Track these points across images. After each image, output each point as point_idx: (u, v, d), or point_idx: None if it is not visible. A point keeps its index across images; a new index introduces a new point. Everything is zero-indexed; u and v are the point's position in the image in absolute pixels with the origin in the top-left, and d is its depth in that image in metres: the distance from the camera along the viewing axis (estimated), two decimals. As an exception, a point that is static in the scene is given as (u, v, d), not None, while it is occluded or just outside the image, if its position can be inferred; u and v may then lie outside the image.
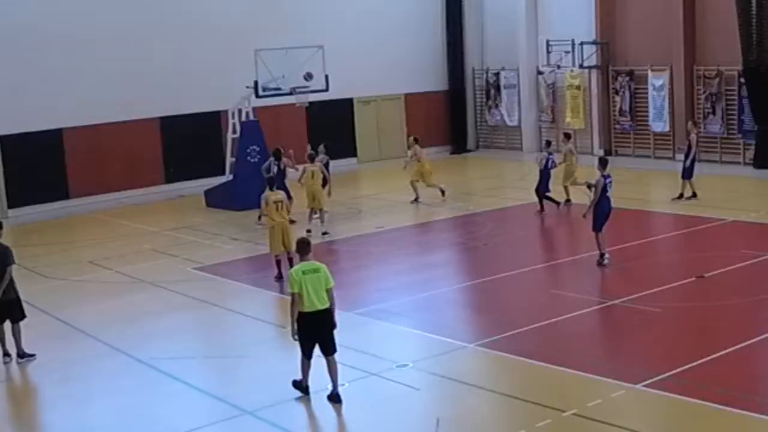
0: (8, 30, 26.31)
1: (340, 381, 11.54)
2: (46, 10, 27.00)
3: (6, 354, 13.86)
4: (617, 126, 31.18)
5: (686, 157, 22.86)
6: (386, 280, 17.61)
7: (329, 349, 11.56)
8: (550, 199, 22.72)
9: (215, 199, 25.79)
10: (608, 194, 17.01)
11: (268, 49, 25.08)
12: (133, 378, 12.98)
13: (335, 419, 11.28)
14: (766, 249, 17.45)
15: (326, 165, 22.82)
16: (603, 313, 14.71)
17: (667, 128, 29.42)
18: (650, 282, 15.76)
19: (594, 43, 30.94)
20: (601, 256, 17.02)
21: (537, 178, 22.54)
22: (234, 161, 25.70)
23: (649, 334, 13.56)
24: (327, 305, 11.46)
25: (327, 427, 11.15)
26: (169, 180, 29.44)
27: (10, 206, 26.48)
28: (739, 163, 27.79)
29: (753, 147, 27.27)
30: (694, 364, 11.94)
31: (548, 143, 23.90)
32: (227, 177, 26.06)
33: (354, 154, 33.14)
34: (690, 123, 24.43)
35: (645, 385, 11.29)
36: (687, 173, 22.86)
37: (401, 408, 11.44)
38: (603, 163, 17.37)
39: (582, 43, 30.89)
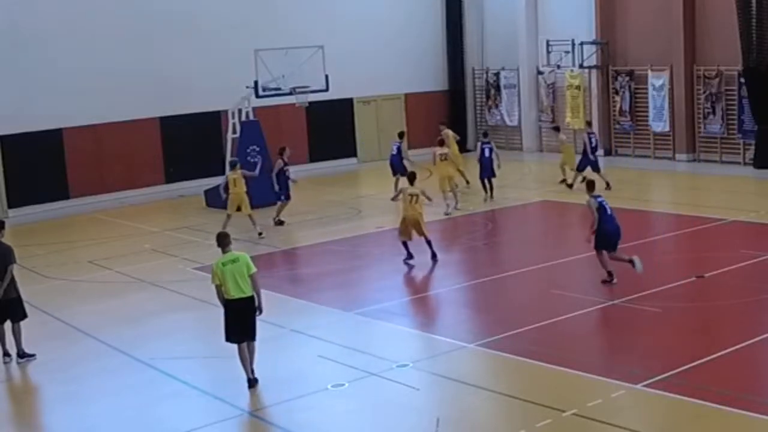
0: (8, 30, 26.31)
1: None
2: (47, 11, 27.00)
3: (6, 354, 13.87)
4: (617, 126, 31.16)
5: (593, 152, 24.98)
6: (386, 280, 17.61)
7: (250, 335, 12.23)
8: (484, 186, 24.51)
9: (215, 199, 25.74)
10: (609, 213, 15.80)
11: (268, 49, 25.08)
12: (132, 378, 12.98)
13: (335, 419, 11.27)
14: (766, 249, 17.45)
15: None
16: (603, 313, 14.71)
17: (667, 128, 29.42)
18: (650, 282, 15.74)
19: (594, 43, 30.93)
20: (609, 274, 15.84)
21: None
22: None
23: (649, 334, 13.56)
24: (250, 293, 12.10)
25: (327, 427, 11.13)
26: (169, 180, 29.43)
27: (10, 206, 26.48)
28: (739, 163, 27.79)
29: (753, 147, 27.25)
30: (694, 364, 11.95)
31: (485, 134, 26.27)
32: (227, 177, 26.03)
33: (354, 154, 33.14)
34: (587, 126, 27.14)
35: (645, 385, 11.29)
36: (595, 166, 24.81)
37: (401, 408, 11.44)
38: (590, 186, 16.22)
39: (582, 43, 30.88)
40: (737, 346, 12.50)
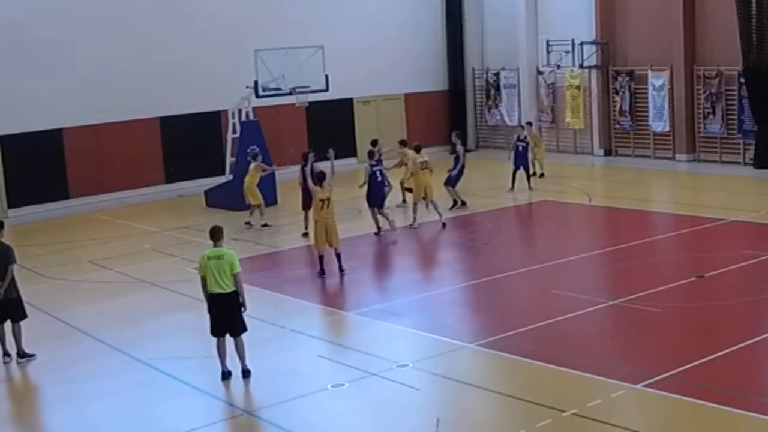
0: (8, 29, 26.31)
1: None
2: (47, 10, 27.00)
3: (6, 354, 13.87)
4: (617, 126, 31.16)
5: (455, 167, 23.25)
6: (386, 280, 17.61)
7: (235, 330, 12.44)
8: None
9: (215, 199, 25.80)
10: (380, 180, 20.75)
11: (268, 49, 25.09)
12: (132, 378, 12.97)
13: (335, 419, 11.27)
14: (766, 249, 17.45)
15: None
16: (603, 313, 14.70)
17: (667, 128, 29.42)
18: (650, 282, 15.75)
19: (594, 43, 30.93)
20: (379, 229, 20.69)
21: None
22: (234, 161, 25.69)
23: (649, 334, 13.56)
24: (230, 289, 12.26)
25: (327, 427, 11.13)
26: (169, 180, 29.44)
27: (10, 206, 26.47)
28: (739, 163, 27.79)
29: (753, 147, 27.26)
30: (694, 364, 11.94)
31: (523, 126, 27.34)
32: (227, 177, 26.05)
33: (354, 154, 33.12)
34: (454, 135, 24.72)
35: (645, 385, 11.29)
36: (453, 181, 23.27)
37: (401, 408, 11.44)
38: (370, 154, 21.18)
39: (582, 43, 30.88)
40: (737, 346, 12.50)
